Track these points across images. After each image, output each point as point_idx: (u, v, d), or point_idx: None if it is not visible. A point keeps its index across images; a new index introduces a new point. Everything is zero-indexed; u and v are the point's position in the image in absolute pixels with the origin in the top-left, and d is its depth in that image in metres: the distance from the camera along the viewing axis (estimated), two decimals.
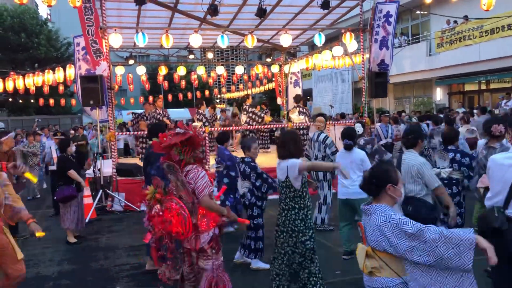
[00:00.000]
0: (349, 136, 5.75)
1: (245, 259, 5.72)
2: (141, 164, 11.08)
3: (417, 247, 2.53)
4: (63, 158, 7.36)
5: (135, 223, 8.38)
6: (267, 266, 5.40)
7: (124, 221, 8.62)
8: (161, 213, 3.59)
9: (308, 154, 7.55)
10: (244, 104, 13.54)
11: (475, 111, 13.61)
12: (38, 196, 11.31)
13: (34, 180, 5.59)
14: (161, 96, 12.10)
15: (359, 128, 8.55)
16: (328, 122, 12.37)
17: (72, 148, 7.64)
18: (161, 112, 11.91)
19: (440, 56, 19.70)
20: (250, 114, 12.94)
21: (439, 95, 21.87)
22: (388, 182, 2.75)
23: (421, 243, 2.52)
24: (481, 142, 5.61)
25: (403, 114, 16.44)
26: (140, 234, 7.57)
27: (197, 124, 12.02)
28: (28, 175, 4.62)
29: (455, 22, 18.66)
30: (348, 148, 5.67)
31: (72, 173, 7.22)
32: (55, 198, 7.40)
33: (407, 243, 2.55)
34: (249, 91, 26.12)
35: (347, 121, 13.17)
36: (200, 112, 12.44)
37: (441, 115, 12.37)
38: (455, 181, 5.41)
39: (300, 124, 11.93)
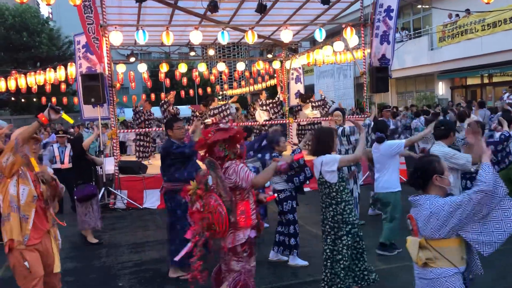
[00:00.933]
0: (380, 129, 5.78)
1: (280, 257, 5.64)
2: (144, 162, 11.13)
3: (471, 213, 2.61)
4: (79, 154, 7.23)
5: (138, 221, 8.42)
6: (305, 263, 5.42)
7: (127, 218, 8.64)
8: (201, 210, 3.59)
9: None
10: (259, 99, 13.51)
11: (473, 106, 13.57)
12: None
13: (71, 120, 5.47)
14: (173, 92, 11.99)
15: (368, 121, 8.65)
16: (330, 118, 12.46)
17: (86, 143, 7.63)
18: (173, 108, 11.75)
19: (442, 50, 19.61)
20: (270, 107, 12.94)
21: (441, 89, 21.79)
22: (434, 173, 2.77)
23: (473, 207, 2.60)
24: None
25: (400, 109, 16.49)
26: (143, 232, 7.63)
27: (209, 120, 11.94)
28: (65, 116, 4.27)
29: (457, 15, 18.57)
30: (380, 140, 5.66)
31: (87, 142, 7.21)
32: (75, 197, 7.23)
33: (465, 216, 2.61)
34: (251, 88, 26.13)
35: (348, 116, 13.13)
36: (211, 108, 12.28)
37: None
38: None
39: (314, 119, 12.01)
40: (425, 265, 2.72)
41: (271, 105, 13.00)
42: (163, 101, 11.79)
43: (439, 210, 2.65)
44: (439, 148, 4.65)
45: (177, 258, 3.85)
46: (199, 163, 4.82)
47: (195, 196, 3.66)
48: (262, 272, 5.33)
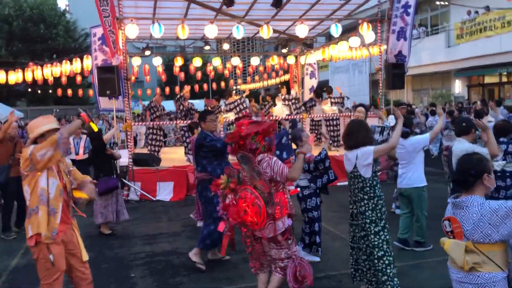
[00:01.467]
0: (405, 124, 5.74)
1: (311, 257, 5.53)
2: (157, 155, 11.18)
3: None
4: (99, 147, 7.26)
5: (151, 212, 8.47)
6: (316, 258, 5.40)
7: (140, 210, 8.70)
8: (235, 202, 3.68)
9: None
10: (280, 94, 13.45)
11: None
12: None
13: (95, 128, 5.57)
14: (187, 86, 12.00)
15: (391, 120, 8.58)
16: (348, 114, 12.39)
17: (107, 136, 7.64)
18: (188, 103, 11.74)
19: (460, 47, 19.35)
20: (292, 102, 12.85)
21: (458, 87, 21.52)
22: (484, 172, 2.69)
23: None
24: None
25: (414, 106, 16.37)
26: (155, 223, 7.68)
27: (228, 115, 11.94)
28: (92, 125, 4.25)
29: (476, 12, 18.29)
30: (405, 135, 5.60)
31: (107, 137, 7.43)
32: (97, 190, 7.25)
33: None
34: (265, 83, 26.07)
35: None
36: (228, 103, 12.29)
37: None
38: (508, 174, 5.34)
39: (333, 114, 11.98)
40: (472, 270, 2.62)
41: (293, 100, 12.90)
42: (178, 96, 11.80)
43: (492, 215, 2.55)
44: (460, 145, 4.60)
45: (222, 253, 4.41)
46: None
47: (227, 189, 3.77)
48: None
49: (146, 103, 13.06)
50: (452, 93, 21.25)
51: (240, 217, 3.63)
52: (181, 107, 11.47)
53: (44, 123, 3.76)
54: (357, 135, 4.11)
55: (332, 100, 12.54)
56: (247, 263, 5.43)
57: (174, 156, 11.78)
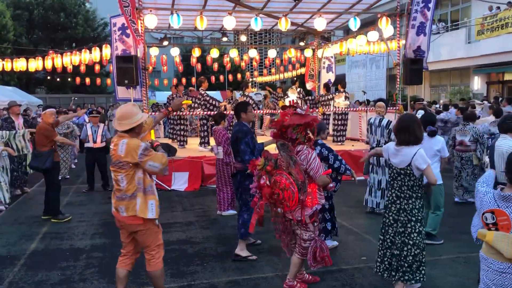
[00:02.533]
0: (431, 123, 5.75)
1: (331, 243, 5.65)
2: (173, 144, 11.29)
3: None
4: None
5: (165, 202, 8.56)
6: (334, 243, 5.62)
7: None
8: (268, 183, 3.95)
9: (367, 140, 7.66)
10: (295, 86, 13.39)
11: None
12: (68, 177, 11.27)
13: (189, 101, 5.71)
14: (203, 77, 12.03)
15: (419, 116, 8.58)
16: (364, 109, 12.35)
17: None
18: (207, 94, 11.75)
19: (480, 43, 19.04)
20: (304, 98, 12.85)
21: (477, 84, 21.21)
22: None
23: None
24: None
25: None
26: (170, 213, 7.78)
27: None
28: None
29: (498, 8, 17.96)
30: (432, 134, 5.60)
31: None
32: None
33: None
34: (281, 75, 26.02)
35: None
36: (246, 94, 12.07)
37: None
38: None
39: (345, 109, 11.95)
40: None
41: (307, 97, 12.82)
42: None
43: None
44: (506, 142, 4.63)
45: (251, 230, 4.42)
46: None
47: (263, 171, 4.02)
48: (287, 258, 5.36)
49: (164, 93, 13.21)
50: (471, 90, 20.95)
51: (272, 198, 3.92)
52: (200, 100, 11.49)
53: (137, 112, 3.87)
54: (415, 131, 4.07)
55: (347, 94, 12.49)
56: (258, 254, 5.51)
57: (190, 146, 11.87)
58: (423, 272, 4.12)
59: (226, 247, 5.84)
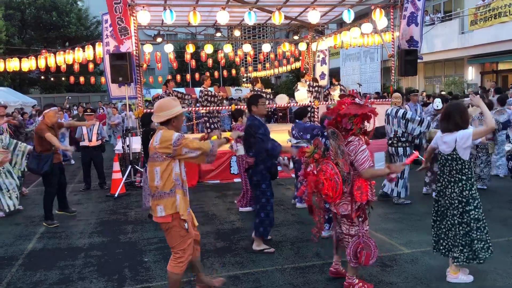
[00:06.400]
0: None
1: (331, 233, 5.73)
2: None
3: None
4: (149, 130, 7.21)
5: None
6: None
7: None
8: (315, 172, 3.90)
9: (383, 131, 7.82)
10: (304, 80, 13.24)
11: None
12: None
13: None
14: (207, 75, 11.91)
15: (438, 103, 8.59)
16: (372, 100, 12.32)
17: (155, 124, 7.66)
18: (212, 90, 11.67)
19: (474, 34, 19.06)
20: (315, 90, 12.52)
21: (471, 74, 21.25)
22: None
23: None
24: None
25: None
26: None
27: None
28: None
29: None
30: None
31: None
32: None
33: None
34: (276, 70, 25.98)
35: (380, 100, 12.96)
36: (256, 89, 11.71)
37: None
38: None
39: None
40: None
41: (316, 88, 12.53)
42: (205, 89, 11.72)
43: None
44: None
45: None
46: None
47: (310, 158, 3.99)
48: (286, 252, 5.38)
49: (159, 91, 13.09)
50: (465, 80, 20.99)
51: (317, 187, 3.87)
52: (204, 97, 11.40)
53: (175, 105, 3.83)
54: (456, 118, 4.19)
55: (342, 87, 12.48)
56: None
57: None
58: (475, 248, 4.19)
59: (224, 243, 5.83)
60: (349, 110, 3.87)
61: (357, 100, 3.95)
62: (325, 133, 5.23)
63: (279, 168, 5.84)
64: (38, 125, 7.15)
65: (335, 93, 12.14)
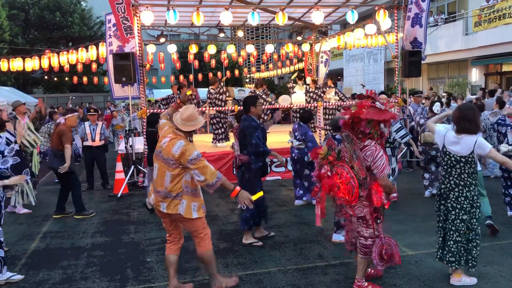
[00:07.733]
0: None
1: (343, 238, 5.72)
2: None
3: None
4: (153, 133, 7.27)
5: None
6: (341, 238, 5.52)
7: None
8: (329, 174, 3.88)
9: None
10: (303, 83, 13.21)
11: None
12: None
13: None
14: (214, 78, 11.87)
15: (438, 108, 8.56)
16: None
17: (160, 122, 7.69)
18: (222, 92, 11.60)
19: (478, 35, 19.00)
20: (311, 95, 12.37)
21: (475, 76, 21.18)
22: None
23: None
24: None
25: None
26: None
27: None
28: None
29: None
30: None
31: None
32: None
33: None
34: (279, 71, 25.95)
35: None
36: (257, 93, 11.63)
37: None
38: None
39: (335, 103, 11.88)
40: None
41: (312, 94, 12.23)
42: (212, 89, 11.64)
43: None
44: None
45: (317, 223, 4.27)
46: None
47: (324, 160, 3.96)
48: (289, 253, 5.37)
49: (162, 91, 13.07)
50: (469, 82, 20.91)
51: (332, 190, 3.84)
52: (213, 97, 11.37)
53: (198, 116, 3.98)
54: (476, 120, 4.13)
55: (336, 90, 12.40)
56: (260, 249, 5.50)
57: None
58: (475, 255, 4.23)
59: (227, 243, 5.82)
60: (369, 115, 3.78)
61: (377, 104, 3.85)
62: (337, 137, 5.22)
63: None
64: (63, 126, 7.31)
65: (330, 96, 12.06)
